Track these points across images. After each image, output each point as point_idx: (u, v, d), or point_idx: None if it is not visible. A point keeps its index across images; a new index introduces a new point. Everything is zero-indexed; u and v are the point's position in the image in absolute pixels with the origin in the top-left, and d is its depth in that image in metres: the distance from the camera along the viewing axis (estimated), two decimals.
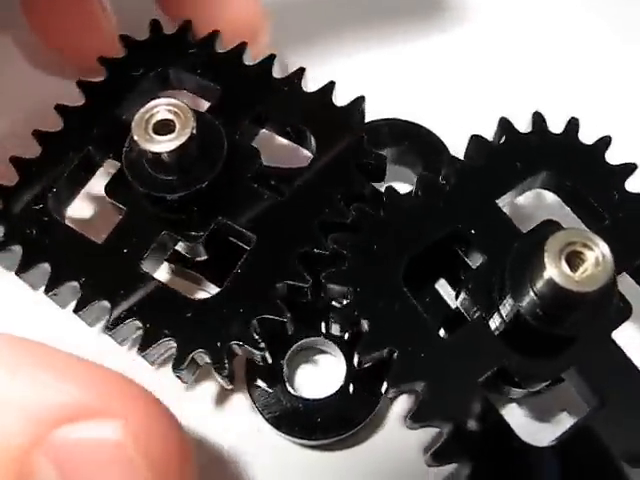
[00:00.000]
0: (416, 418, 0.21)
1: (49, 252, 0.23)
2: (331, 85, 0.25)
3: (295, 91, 0.25)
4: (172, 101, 0.22)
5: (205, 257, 0.25)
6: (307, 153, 0.25)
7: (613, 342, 0.22)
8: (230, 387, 0.24)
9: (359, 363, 0.22)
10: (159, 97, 0.22)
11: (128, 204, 0.24)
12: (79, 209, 0.27)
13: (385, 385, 0.22)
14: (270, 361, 0.23)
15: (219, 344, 0.22)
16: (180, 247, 0.25)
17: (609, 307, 0.21)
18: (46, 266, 0.23)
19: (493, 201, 0.24)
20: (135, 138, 0.22)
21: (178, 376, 0.23)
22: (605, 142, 0.25)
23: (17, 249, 0.24)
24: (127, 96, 0.26)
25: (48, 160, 0.25)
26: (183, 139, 0.21)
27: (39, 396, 0.17)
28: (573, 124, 0.25)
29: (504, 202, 0.24)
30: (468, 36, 0.34)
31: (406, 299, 0.22)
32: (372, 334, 0.21)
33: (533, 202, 0.28)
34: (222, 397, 0.26)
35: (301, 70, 0.26)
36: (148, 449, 0.17)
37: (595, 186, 0.24)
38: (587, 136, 0.25)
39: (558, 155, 0.24)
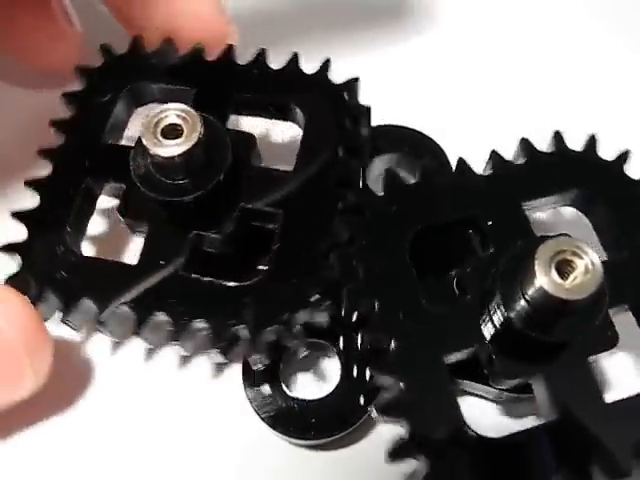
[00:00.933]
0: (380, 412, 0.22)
1: (87, 288, 0.23)
2: (295, 56, 0.27)
3: (264, 70, 0.27)
4: (180, 106, 0.23)
5: (232, 250, 0.25)
6: None
7: (588, 364, 0.22)
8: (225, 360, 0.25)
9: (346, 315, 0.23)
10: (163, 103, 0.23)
11: (149, 219, 0.24)
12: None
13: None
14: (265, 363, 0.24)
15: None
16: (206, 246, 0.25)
17: (597, 319, 0.22)
18: (88, 302, 0.23)
19: (519, 202, 0.24)
20: (144, 143, 0.22)
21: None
22: (625, 157, 0.25)
23: (52, 297, 0.24)
24: (105, 122, 0.26)
25: (50, 205, 0.25)
26: (192, 142, 0.22)
27: None
28: (592, 141, 0.25)
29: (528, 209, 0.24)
30: (464, 40, 0.34)
31: (407, 268, 0.23)
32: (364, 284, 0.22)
33: (553, 219, 0.29)
34: (218, 396, 0.26)
35: (263, 50, 0.27)
36: (17, 322, 0.23)
37: (624, 215, 0.24)
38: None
39: (596, 177, 0.25)
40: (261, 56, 0.27)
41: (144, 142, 0.22)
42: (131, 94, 0.27)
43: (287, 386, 0.26)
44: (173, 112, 0.23)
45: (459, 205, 0.24)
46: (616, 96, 0.33)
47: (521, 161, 0.25)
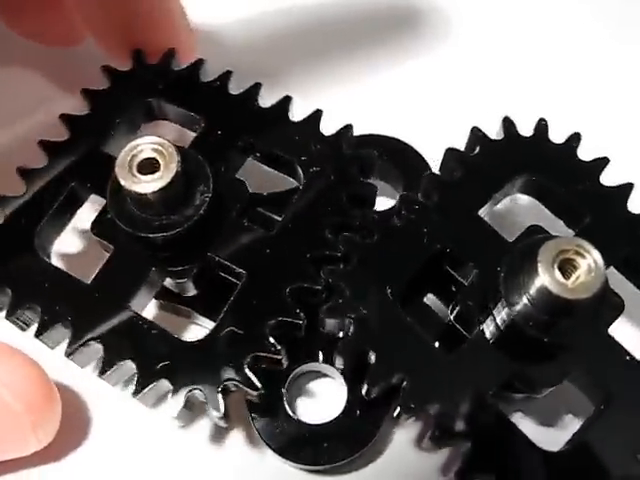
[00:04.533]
0: (437, 440, 0.21)
1: (37, 293, 0.23)
2: (318, 114, 0.25)
3: (281, 120, 0.25)
4: (155, 139, 0.22)
5: (194, 292, 0.25)
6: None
7: (610, 337, 0.23)
8: (225, 425, 0.24)
9: (368, 393, 0.22)
10: (141, 134, 0.22)
11: (115, 242, 0.23)
12: (65, 245, 0.26)
13: (397, 410, 0.22)
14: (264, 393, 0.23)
15: (213, 384, 0.22)
16: (168, 283, 0.25)
17: (602, 309, 0.22)
18: (36, 308, 0.23)
19: (475, 213, 0.24)
20: (121, 182, 0.21)
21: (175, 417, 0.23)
22: (576, 139, 0.25)
23: (7, 292, 0.23)
24: (111, 130, 0.25)
25: (32, 198, 0.24)
26: (168, 178, 0.21)
27: None
28: (542, 125, 0.25)
29: (484, 212, 0.24)
30: (447, 51, 0.34)
31: (405, 322, 0.22)
32: (379, 364, 0.21)
33: (511, 207, 0.29)
34: (220, 434, 0.26)
35: (287, 98, 0.26)
36: (20, 393, 0.22)
37: (571, 185, 0.24)
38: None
39: (531, 158, 0.25)
40: (283, 104, 0.26)
41: (120, 180, 0.21)
42: (143, 107, 0.26)
43: (293, 412, 0.25)
44: (148, 146, 0.21)
45: (421, 245, 0.23)
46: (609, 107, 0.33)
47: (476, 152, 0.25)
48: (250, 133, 0.25)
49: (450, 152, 0.25)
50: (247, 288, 0.23)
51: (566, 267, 0.20)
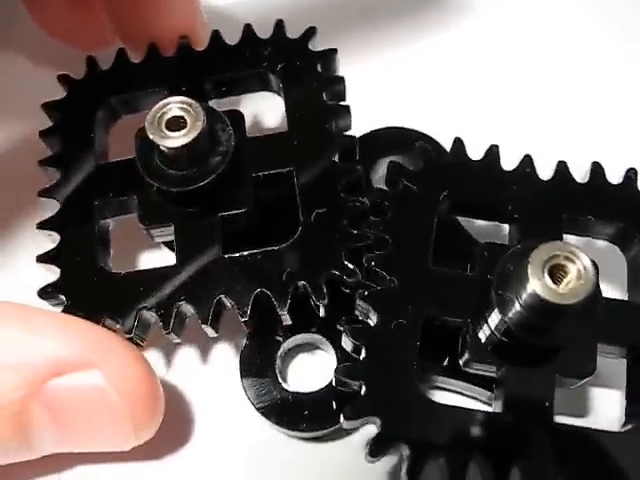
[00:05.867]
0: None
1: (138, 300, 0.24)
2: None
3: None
4: (183, 99, 0.23)
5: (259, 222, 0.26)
6: None
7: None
8: (215, 335, 0.25)
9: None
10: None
11: (172, 219, 0.25)
12: None
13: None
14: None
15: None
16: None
17: (594, 313, 0.22)
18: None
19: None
20: (150, 136, 0.23)
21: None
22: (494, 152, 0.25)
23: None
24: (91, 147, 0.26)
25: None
26: (194, 134, 0.23)
27: (32, 355, 0.21)
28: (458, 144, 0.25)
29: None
30: (470, 40, 0.34)
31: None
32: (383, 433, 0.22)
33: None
34: (214, 388, 0.27)
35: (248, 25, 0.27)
36: (125, 391, 0.22)
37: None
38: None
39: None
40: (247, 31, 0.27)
41: (149, 135, 0.23)
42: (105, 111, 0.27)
43: (283, 379, 0.26)
44: (176, 104, 0.23)
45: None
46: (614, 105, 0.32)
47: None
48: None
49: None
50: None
51: (556, 273, 0.20)
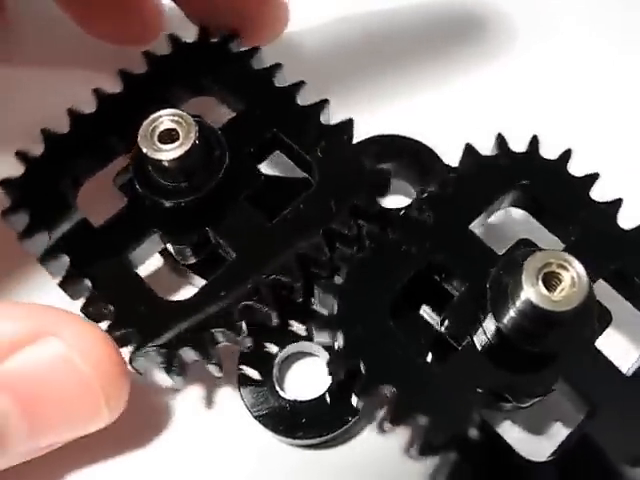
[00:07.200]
0: (423, 450, 0.22)
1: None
2: (349, 122, 0.26)
3: (314, 121, 0.26)
4: (175, 111, 0.23)
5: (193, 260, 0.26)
6: None
7: (596, 350, 0.23)
8: (220, 375, 0.25)
9: (357, 404, 0.23)
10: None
11: (130, 196, 0.25)
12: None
13: (387, 424, 0.22)
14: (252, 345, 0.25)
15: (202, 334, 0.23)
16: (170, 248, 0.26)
17: (589, 320, 0.22)
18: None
19: (466, 227, 0.24)
20: (142, 149, 0.23)
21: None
22: (567, 155, 0.25)
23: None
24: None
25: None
26: (187, 147, 0.23)
27: None
28: (534, 141, 0.26)
29: (477, 224, 0.25)
30: (479, 56, 0.34)
31: (395, 335, 0.23)
32: (368, 376, 0.22)
33: (505, 220, 0.29)
34: (212, 398, 0.27)
35: (324, 102, 0.26)
36: (88, 353, 0.21)
37: (562, 199, 0.25)
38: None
39: (524, 173, 0.25)
40: (321, 106, 0.26)
41: (142, 149, 0.23)
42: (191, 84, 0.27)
43: (281, 387, 0.26)
44: (167, 117, 0.23)
45: (413, 259, 0.23)
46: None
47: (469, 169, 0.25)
48: (280, 126, 0.26)
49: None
50: (232, 269, 0.24)
51: (550, 280, 0.20)
